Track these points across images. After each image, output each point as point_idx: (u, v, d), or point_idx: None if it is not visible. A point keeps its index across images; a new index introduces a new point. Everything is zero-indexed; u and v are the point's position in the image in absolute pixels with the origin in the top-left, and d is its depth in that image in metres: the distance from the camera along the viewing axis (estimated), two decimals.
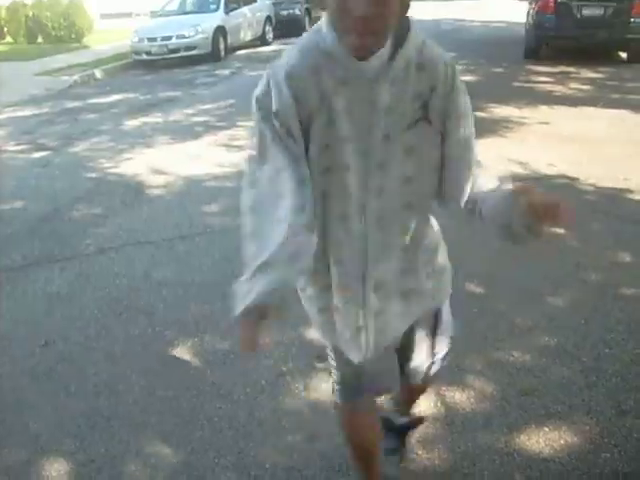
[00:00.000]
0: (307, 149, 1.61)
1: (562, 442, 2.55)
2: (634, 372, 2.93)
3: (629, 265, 3.92)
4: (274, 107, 1.57)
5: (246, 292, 1.56)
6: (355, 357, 1.84)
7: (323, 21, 1.59)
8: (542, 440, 2.57)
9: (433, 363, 2.04)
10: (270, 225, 1.60)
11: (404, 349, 1.98)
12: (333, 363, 1.96)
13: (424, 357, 2.01)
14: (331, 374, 2.01)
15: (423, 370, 2.04)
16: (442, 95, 1.63)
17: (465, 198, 1.72)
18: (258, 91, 1.60)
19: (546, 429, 2.62)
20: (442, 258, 1.91)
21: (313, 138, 1.61)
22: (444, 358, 2.05)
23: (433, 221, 1.85)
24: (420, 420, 2.55)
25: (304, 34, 1.66)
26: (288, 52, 1.63)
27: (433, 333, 1.99)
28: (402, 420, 2.45)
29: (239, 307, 1.56)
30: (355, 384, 1.94)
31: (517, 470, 2.43)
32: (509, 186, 1.63)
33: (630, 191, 5.06)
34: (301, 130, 1.59)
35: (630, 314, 3.38)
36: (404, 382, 2.12)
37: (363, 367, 1.86)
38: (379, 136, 1.62)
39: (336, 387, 1.99)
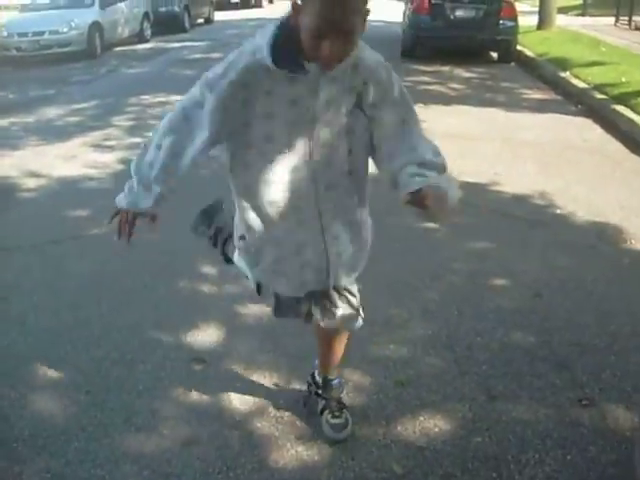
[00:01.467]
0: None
1: (437, 430, 2.64)
2: (503, 359, 3.06)
3: (498, 256, 4.10)
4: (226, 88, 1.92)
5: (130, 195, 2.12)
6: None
7: (261, 41, 1.89)
8: (418, 429, 2.64)
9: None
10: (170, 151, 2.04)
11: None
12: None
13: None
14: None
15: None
16: (373, 88, 1.99)
17: (391, 171, 2.06)
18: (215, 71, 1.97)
19: (421, 418, 2.69)
20: (367, 234, 2.26)
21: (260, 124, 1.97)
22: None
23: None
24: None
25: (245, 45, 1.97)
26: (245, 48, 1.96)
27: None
28: (323, 378, 2.67)
29: (121, 203, 2.13)
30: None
31: (394, 460, 2.48)
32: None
33: (500, 185, 5.31)
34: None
35: (499, 303, 3.53)
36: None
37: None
38: (322, 123, 1.97)
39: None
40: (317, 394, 2.71)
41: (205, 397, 2.85)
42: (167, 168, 2.05)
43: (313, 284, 2.22)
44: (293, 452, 2.53)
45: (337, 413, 2.62)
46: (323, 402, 2.67)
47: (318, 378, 2.70)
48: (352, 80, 1.95)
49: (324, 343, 2.57)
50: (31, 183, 5.79)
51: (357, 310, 2.36)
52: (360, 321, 2.40)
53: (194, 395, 2.87)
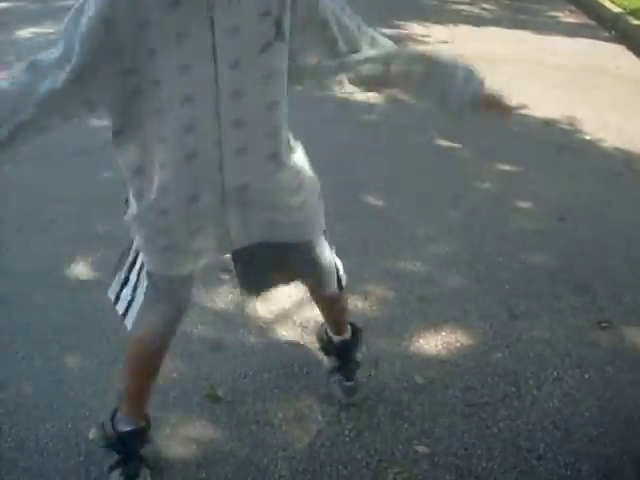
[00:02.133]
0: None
1: (458, 345, 2.70)
2: (525, 279, 3.10)
3: (523, 179, 4.10)
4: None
5: None
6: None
7: None
8: (439, 344, 2.70)
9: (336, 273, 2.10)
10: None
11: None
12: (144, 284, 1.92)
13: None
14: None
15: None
16: (298, 3, 1.54)
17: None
18: None
19: (443, 333, 2.76)
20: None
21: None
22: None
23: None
24: (357, 331, 2.43)
25: None
26: None
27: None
28: (338, 339, 2.40)
29: None
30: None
31: (416, 371, 2.56)
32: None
33: (528, 108, 5.16)
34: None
35: (523, 225, 3.55)
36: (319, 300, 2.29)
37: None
38: (225, 63, 1.50)
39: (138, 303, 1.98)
40: (327, 352, 2.48)
41: (231, 304, 2.92)
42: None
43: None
44: (319, 359, 2.60)
45: (350, 375, 2.42)
46: (335, 362, 2.45)
47: (333, 337, 2.42)
48: (264, 3, 1.50)
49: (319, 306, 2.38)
50: None
51: None
52: None
53: (220, 302, 2.93)
